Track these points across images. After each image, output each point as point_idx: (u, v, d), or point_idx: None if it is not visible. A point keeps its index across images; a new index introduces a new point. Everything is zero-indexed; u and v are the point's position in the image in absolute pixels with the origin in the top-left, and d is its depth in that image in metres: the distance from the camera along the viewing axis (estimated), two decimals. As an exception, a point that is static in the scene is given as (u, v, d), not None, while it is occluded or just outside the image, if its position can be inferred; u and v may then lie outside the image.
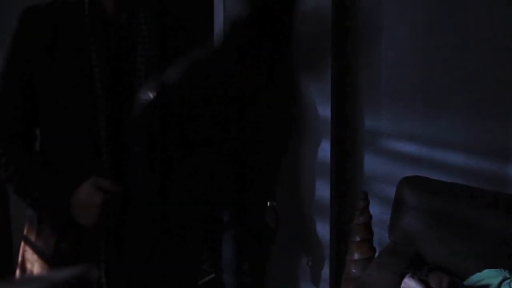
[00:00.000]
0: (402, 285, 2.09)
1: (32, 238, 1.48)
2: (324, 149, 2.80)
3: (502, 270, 2.20)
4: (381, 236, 2.71)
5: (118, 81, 1.38)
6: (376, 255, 2.54)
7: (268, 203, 2.49)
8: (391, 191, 2.63)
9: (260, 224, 2.32)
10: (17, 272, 1.52)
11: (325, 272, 2.86)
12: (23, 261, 1.50)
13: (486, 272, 2.22)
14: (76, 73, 1.38)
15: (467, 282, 2.22)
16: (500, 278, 2.15)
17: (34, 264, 1.47)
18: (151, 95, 1.08)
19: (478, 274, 2.24)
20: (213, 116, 1.19)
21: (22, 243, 1.51)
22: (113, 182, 1.35)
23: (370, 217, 2.59)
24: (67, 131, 1.40)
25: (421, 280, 2.08)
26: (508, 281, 2.13)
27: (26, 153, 1.45)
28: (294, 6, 1.08)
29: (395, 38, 2.73)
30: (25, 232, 1.50)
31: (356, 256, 2.54)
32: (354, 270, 2.53)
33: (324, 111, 2.76)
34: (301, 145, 2.84)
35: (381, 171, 2.82)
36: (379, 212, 2.77)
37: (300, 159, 2.85)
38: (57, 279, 0.63)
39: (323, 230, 2.82)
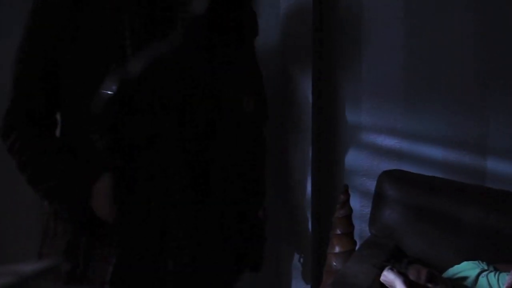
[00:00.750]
0: (382, 277, 2.11)
1: (49, 235, 1.36)
2: (306, 144, 2.81)
3: (480, 262, 2.22)
4: (361, 229, 2.73)
5: None
6: (357, 248, 2.55)
7: None
8: (371, 185, 2.65)
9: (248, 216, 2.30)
10: None
11: (307, 265, 2.87)
12: (40, 258, 1.38)
13: (464, 264, 2.25)
14: (103, 52, 1.22)
15: (446, 274, 2.24)
16: (477, 270, 2.18)
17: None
18: (112, 90, 1.06)
19: (456, 266, 2.26)
20: (176, 110, 1.18)
21: (41, 240, 1.39)
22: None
23: (351, 210, 2.60)
24: (89, 114, 1.23)
25: (400, 273, 2.09)
26: (485, 273, 2.15)
27: (44, 138, 1.31)
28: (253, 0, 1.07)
29: (375, 34, 2.74)
30: (43, 228, 1.38)
31: (337, 249, 2.56)
32: (335, 263, 2.54)
33: (306, 106, 2.77)
34: (282, 140, 2.85)
35: (361, 165, 2.84)
36: (359, 206, 2.79)
37: (281, 153, 2.86)
38: (26, 271, 0.63)
39: (304, 223, 2.83)
